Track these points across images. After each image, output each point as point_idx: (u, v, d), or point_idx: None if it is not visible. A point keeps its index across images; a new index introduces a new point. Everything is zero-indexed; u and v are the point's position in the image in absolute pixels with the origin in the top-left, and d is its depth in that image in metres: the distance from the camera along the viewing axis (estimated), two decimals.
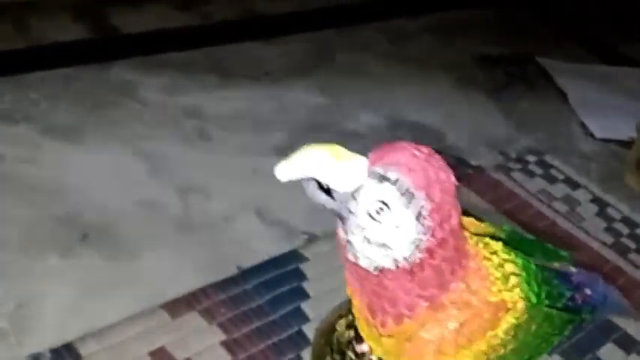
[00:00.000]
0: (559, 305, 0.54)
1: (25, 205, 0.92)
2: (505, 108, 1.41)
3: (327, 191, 0.47)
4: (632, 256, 1.10)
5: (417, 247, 0.46)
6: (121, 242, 0.91)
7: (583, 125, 1.41)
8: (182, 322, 0.81)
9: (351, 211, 0.47)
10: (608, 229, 1.14)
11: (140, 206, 0.97)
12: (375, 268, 0.47)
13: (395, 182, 0.44)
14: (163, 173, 1.04)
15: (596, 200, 1.20)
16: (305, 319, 0.85)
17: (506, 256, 0.52)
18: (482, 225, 0.56)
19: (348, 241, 0.48)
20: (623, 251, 1.10)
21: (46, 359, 0.74)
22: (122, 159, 1.05)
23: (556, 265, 0.57)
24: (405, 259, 0.46)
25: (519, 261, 0.52)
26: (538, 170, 1.24)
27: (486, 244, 0.52)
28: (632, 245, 1.12)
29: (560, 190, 1.21)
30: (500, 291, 0.49)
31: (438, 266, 0.47)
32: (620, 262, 1.07)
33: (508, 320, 0.49)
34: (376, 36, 1.52)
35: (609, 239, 1.12)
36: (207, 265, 0.90)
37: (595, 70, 1.60)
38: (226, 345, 0.80)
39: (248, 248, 0.94)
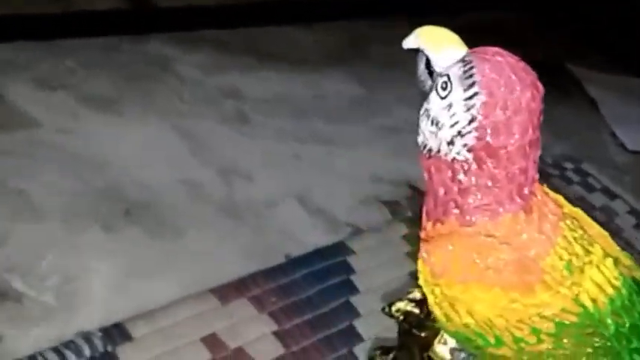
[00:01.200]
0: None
1: (66, 176, 0.88)
2: None
3: (431, 74, 0.49)
4: None
5: (462, 137, 0.45)
6: (165, 220, 0.87)
7: (614, 136, 1.39)
8: (232, 309, 0.78)
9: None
10: None
11: (182, 184, 0.93)
12: (425, 148, 0.47)
13: (464, 62, 0.45)
14: (204, 153, 1.00)
15: (633, 212, 1.18)
16: (356, 313, 0.82)
17: (603, 266, 0.45)
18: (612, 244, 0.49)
19: (418, 117, 0.49)
20: None
21: (96, 338, 0.70)
22: (162, 135, 1.01)
23: None
24: (448, 145, 0.45)
25: (620, 284, 0.45)
26: (575, 177, 1.22)
27: (581, 237, 0.46)
28: None
29: (598, 199, 1.19)
30: (548, 264, 0.44)
31: (481, 179, 0.45)
32: None
33: (543, 298, 0.43)
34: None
35: None
36: (253, 252, 0.87)
37: (625, 82, 1.59)
38: (278, 335, 0.77)
39: (292, 236, 0.91)
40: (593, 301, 0.44)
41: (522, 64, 0.46)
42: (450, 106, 0.45)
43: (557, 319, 0.44)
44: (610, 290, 0.44)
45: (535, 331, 0.44)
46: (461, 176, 0.45)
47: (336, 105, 1.20)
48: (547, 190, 0.49)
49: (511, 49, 0.48)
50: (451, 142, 0.45)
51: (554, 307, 0.44)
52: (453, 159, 0.45)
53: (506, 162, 0.45)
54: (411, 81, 1.38)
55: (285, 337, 0.77)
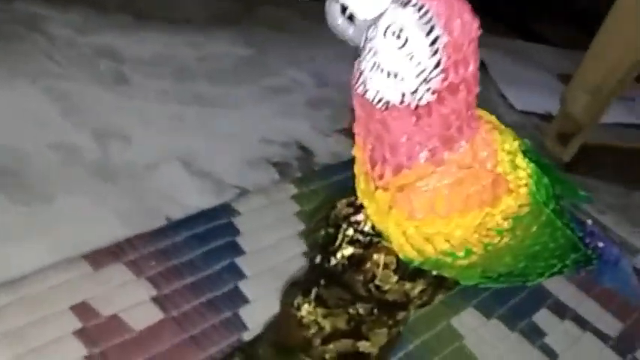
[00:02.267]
0: (564, 221, 0.51)
1: None
2: None
3: (350, 19, 0.45)
4: None
5: (427, 83, 0.43)
6: (33, 186, 0.81)
7: (503, 96, 1.41)
8: (107, 275, 0.73)
9: (368, 38, 0.44)
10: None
11: (53, 149, 0.87)
12: (381, 102, 0.44)
13: (417, 6, 0.43)
14: (78, 115, 0.93)
15: None
16: (241, 275, 0.79)
17: (518, 153, 0.49)
18: (502, 126, 0.52)
19: (360, 71, 0.45)
20: None
21: None
22: (30, 97, 0.93)
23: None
24: (412, 94, 0.43)
25: (532, 166, 0.49)
26: None
27: (502, 133, 0.49)
28: None
29: None
30: (505, 172, 0.47)
31: (445, 116, 0.44)
32: None
33: (508, 203, 0.46)
34: None
35: None
36: (131, 215, 0.82)
37: (512, 45, 1.61)
38: (157, 300, 0.72)
39: (174, 199, 0.86)
40: (525, 185, 0.47)
41: None
42: (411, 55, 0.43)
43: (514, 215, 0.46)
44: (529, 170, 0.47)
45: (499, 232, 0.46)
46: (425, 119, 0.44)
47: (222, 66, 1.15)
48: None
49: None
50: (415, 91, 0.44)
51: (513, 207, 0.46)
52: (417, 105, 0.44)
53: (465, 93, 0.45)
54: (300, 42, 1.35)
55: (165, 301, 0.72)
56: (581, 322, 0.92)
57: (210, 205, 0.86)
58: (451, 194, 0.45)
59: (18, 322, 0.65)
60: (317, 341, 0.53)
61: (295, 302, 0.54)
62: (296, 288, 0.55)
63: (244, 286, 0.77)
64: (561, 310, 0.92)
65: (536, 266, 0.52)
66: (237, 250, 0.82)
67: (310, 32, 1.30)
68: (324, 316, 0.53)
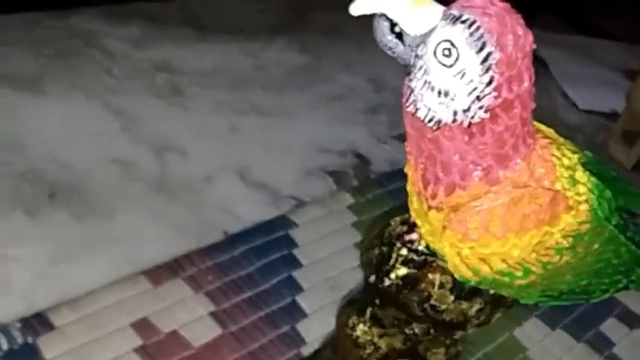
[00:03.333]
0: (629, 235, 0.49)
1: None
2: None
3: (399, 36, 0.44)
4: None
5: (480, 101, 0.42)
6: (93, 202, 0.82)
7: (565, 96, 1.37)
8: (166, 291, 0.73)
9: (418, 55, 0.43)
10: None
11: (112, 164, 0.88)
12: (433, 121, 0.43)
13: (467, 23, 0.41)
14: (135, 130, 0.95)
15: None
16: (298, 288, 0.78)
17: (578, 167, 0.47)
18: (561, 139, 0.50)
19: (411, 89, 0.44)
20: None
21: (15, 330, 0.65)
22: (89, 112, 0.95)
23: None
24: (464, 111, 0.42)
25: (593, 179, 0.47)
26: None
27: (559, 147, 0.47)
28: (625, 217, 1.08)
29: None
30: (564, 188, 0.45)
31: (499, 133, 0.43)
32: None
33: (568, 221, 0.44)
34: None
35: None
36: (189, 229, 0.82)
37: (574, 41, 1.56)
38: (215, 316, 0.72)
39: (232, 212, 0.86)
40: (588, 201, 0.45)
41: (509, 5, 0.43)
42: (462, 73, 0.42)
43: (575, 233, 0.45)
44: (590, 185, 0.46)
45: (559, 251, 0.45)
46: (478, 138, 0.43)
47: (277, 75, 1.15)
48: None
49: None
50: (467, 109, 0.43)
51: (574, 224, 0.45)
52: (470, 124, 0.43)
53: (520, 110, 0.43)
54: (354, 47, 1.34)
55: (223, 317, 0.73)
56: None
57: (267, 217, 0.86)
58: (507, 214, 0.43)
59: (80, 340, 0.66)
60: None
61: (350, 322, 0.53)
62: (351, 307, 0.54)
63: (302, 300, 0.77)
64: (630, 319, 0.89)
65: (600, 283, 0.50)
66: (294, 262, 0.81)
67: (365, 37, 1.28)
68: (380, 336, 0.52)
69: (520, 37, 0.42)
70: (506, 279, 0.46)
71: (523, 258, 0.44)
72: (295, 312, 0.76)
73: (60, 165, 0.85)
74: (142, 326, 0.69)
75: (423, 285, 0.49)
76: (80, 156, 0.87)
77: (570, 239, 0.45)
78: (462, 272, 0.46)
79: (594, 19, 1.69)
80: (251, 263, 0.79)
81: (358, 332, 0.52)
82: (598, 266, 0.48)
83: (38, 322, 0.66)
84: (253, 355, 0.70)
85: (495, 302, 0.50)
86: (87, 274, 0.73)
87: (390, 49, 0.44)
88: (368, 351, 0.52)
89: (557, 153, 0.46)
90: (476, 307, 0.49)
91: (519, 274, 0.45)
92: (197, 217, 0.84)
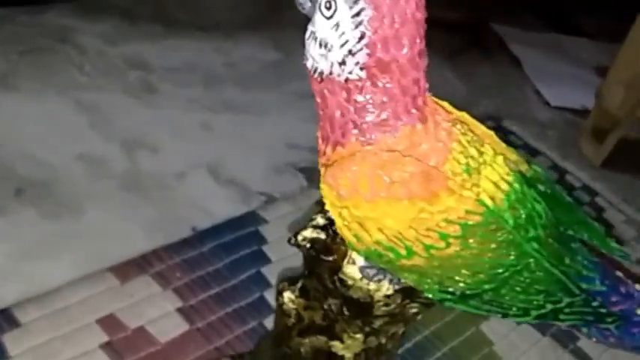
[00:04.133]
0: (562, 268, 0.46)
1: None
2: (461, 73, 1.37)
3: None
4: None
5: (354, 56, 0.43)
6: (62, 199, 0.82)
7: (538, 93, 1.38)
8: (133, 287, 0.74)
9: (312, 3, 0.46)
10: (569, 197, 1.11)
11: (81, 160, 0.88)
12: (316, 72, 0.45)
13: None
14: (106, 126, 0.95)
15: (555, 167, 1.17)
16: (267, 284, 0.79)
17: (496, 167, 0.45)
18: (501, 144, 0.49)
19: (304, 41, 0.46)
20: None
21: None
22: (60, 109, 0.95)
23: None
24: (340, 65, 0.44)
25: (517, 186, 0.45)
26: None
27: (477, 141, 0.46)
28: (593, 213, 1.10)
29: None
30: (453, 172, 0.44)
31: (377, 95, 0.44)
32: None
33: (449, 204, 0.43)
34: None
35: None
36: (158, 226, 0.82)
37: (548, 39, 1.58)
38: (182, 312, 0.73)
39: (202, 209, 0.87)
40: (492, 199, 0.44)
41: None
42: (337, 25, 0.44)
43: (462, 222, 0.44)
44: (505, 186, 0.45)
45: (443, 236, 0.44)
46: (356, 96, 0.44)
47: (251, 72, 1.15)
48: (434, 98, 0.48)
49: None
50: (343, 63, 0.44)
51: (459, 211, 0.44)
52: (347, 79, 0.44)
53: (399, 75, 0.44)
54: None
55: (190, 313, 0.73)
56: None
57: (238, 214, 0.87)
58: (374, 176, 0.44)
59: (45, 337, 0.66)
60: (295, 332, 0.53)
61: (280, 286, 0.53)
62: (288, 277, 0.55)
63: (270, 296, 0.77)
64: None
65: (514, 297, 0.47)
66: (263, 258, 0.82)
67: None
68: (305, 308, 0.52)
69: (400, 1, 0.43)
70: (391, 255, 0.45)
71: (400, 232, 0.44)
72: (263, 308, 0.76)
73: (29, 161, 0.85)
74: (109, 323, 0.69)
75: (335, 256, 0.49)
76: (50, 153, 0.87)
77: (458, 228, 0.44)
78: (347, 237, 0.46)
79: (570, 17, 1.70)
80: (220, 259, 0.80)
81: (285, 299, 0.53)
82: (500, 271, 0.46)
83: (3, 319, 0.66)
84: (220, 350, 0.70)
85: (405, 293, 0.49)
86: (54, 272, 0.73)
87: (301, 4, 0.47)
88: (292, 320, 0.52)
89: (463, 140, 0.45)
90: (383, 291, 0.48)
91: (402, 252, 0.45)
92: (167, 214, 0.85)
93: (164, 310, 0.72)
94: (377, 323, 0.49)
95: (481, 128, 0.48)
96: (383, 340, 0.51)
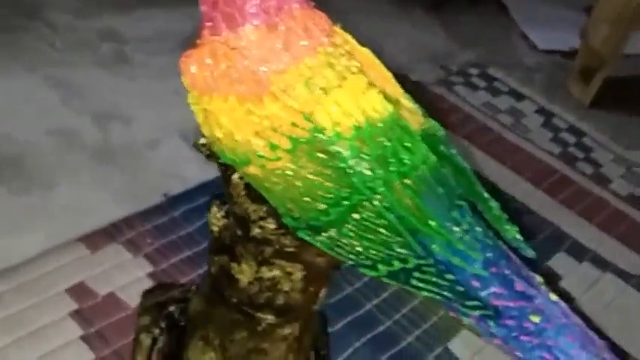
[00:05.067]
0: (414, 222, 0.41)
1: None
2: (445, 22, 1.35)
3: None
4: (580, 164, 1.06)
5: None
6: (33, 174, 0.82)
7: (525, 38, 1.36)
8: (103, 256, 0.74)
9: None
10: (555, 140, 1.10)
11: (53, 136, 0.88)
12: None
13: None
14: (78, 100, 0.95)
15: (541, 111, 1.16)
16: None
17: (362, 92, 0.42)
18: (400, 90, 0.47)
19: None
20: (570, 161, 1.06)
21: None
22: (31, 86, 0.95)
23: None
24: None
25: (380, 117, 0.42)
26: (481, 83, 1.19)
27: (341, 65, 0.43)
28: (580, 154, 1.08)
29: (504, 102, 1.16)
30: (286, 84, 0.42)
31: None
32: (568, 172, 1.03)
33: (273, 110, 0.42)
34: None
35: (556, 149, 1.08)
36: (131, 195, 0.83)
37: None
38: (154, 276, 0.73)
39: (175, 175, 0.87)
40: (335, 123, 0.41)
41: None
42: None
43: (291, 135, 0.42)
44: (360, 118, 0.42)
45: (272, 147, 0.42)
46: None
47: None
48: (338, 29, 0.46)
49: None
50: None
51: (285, 121, 0.42)
52: None
53: None
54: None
55: (162, 276, 0.73)
56: (602, 263, 0.89)
57: (210, 178, 0.87)
58: (207, 68, 0.43)
59: (16, 307, 0.67)
60: (212, 249, 0.53)
61: (210, 204, 0.53)
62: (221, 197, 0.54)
63: None
64: (580, 253, 0.90)
65: (355, 242, 0.43)
66: None
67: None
68: (221, 227, 0.52)
69: None
70: (235, 159, 0.44)
71: (231, 131, 0.43)
72: None
73: None
74: (78, 291, 0.70)
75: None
76: (20, 129, 0.88)
77: (287, 141, 0.42)
78: (201, 126, 0.45)
79: None
80: (191, 224, 0.80)
81: (211, 216, 0.53)
82: (332, 202, 0.42)
83: None
84: None
85: (279, 222, 0.47)
86: (25, 246, 0.73)
87: None
88: (215, 234, 0.53)
89: (322, 61, 0.43)
90: (260, 213, 0.48)
91: (237, 157, 0.44)
92: (139, 183, 0.85)
93: (135, 276, 0.73)
94: (267, 252, 0.49)
95: (379, 69, 0.46)
96: (277, 273, 0.50)
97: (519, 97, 1.17)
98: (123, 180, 0.85)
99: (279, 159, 0.42)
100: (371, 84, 0.43)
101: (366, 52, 0.46)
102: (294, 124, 0.42)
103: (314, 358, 0.63)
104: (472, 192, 0.45)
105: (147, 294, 0.66)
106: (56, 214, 0.78)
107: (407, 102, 0.46)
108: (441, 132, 0.46)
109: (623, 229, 0.95)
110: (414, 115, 0.45)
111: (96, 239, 0.75)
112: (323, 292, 0.54)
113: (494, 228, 0.45)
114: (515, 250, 0.45)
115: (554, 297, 0.44)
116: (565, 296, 0.82)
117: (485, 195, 0.46)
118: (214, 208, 0.52)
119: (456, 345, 0.74)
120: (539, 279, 0.45)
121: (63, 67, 0.99)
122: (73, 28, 1.07)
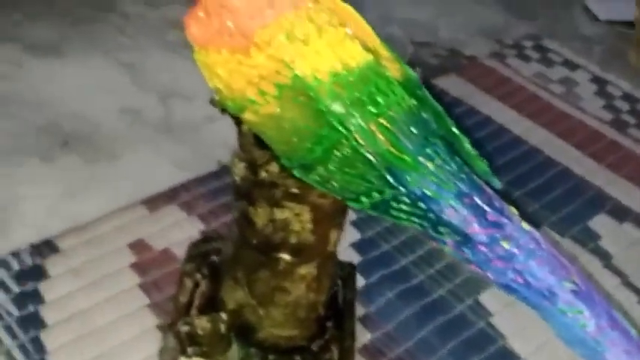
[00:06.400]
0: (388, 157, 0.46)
1: (6, 118, 0.93)
2: None
3: None
4: (632, 130, 1.07)
5: None
6: (102, 146, 0.92)
7: (586, 9, 1.36)
8: (161, 215, 0.82)
9: None
10: (608, 107, 1.11)
11: (122, 113, 0.98)
12: None
13: None
14: (146, 81, 1.04)
15: (595, 80, 1.16)
16: None
17: (339, 42, 0.47)
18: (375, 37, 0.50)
19: None
20: (621, 127, 1.07)
21: (25, 253, 0.75)
22: (103, 69, 1.05)
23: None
24: None
25: (356, 64, 0.47)
26: (534, 55, 1.20)
27: (322, 20, 0.48)
28: (632, 120, 1.09)
29: (557, 72, 1.17)
30: (269, 36, 0.46)
31: None
32: (618, 138, 1.04)
33: (259, 61, 0.46)
34: None
35: (607, 116, 1.09)
36: (189, 163, 0.91)
37: None
38: (205, 234, 0.81)
39: (230, 147, 0.93)
40: (315, 70, 0.46)
41: None
42: None
43: (276, 82, 0.47)
44: (338, 65, 0.46)
45: (261, 93, 0.47)
46: None
47: None
48: None
49: None
50: None
51: (270, 69, 0.47)
52: None
53: None
54: None
55: (213, 234, 0.81)
56: None
57: None
58: (201, 23, 0.48)
59: (80, 259, 0.76)
60: (236, 197, 0.59)
61: (232, 156, 0.58)
62: None
63: None
64: (622, 214, 0.91)
65: (338, 177, 0.48)
66: None
67: None
68: (241, 176, 0.57)
69: None
70: (232, 105, 0.50)
71: (227, 80, 0.48)
72: None
73: (74, 117, 0.95)
74: (137, 246, 0.78)
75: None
76: (93, 108, 0.97)
77: (273, 88, 0.47)
78: (207, 80, 0.51)
79: None
80: None
81: (233, 164, 0.58)
82: (315, 140, 0.47)
83: (46, 247, 0.76)
84: None
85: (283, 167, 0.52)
86: (93, 208, 0.82)
87: None
88: (237, 182, 0.57)
89: (302, 15, 0.47)
90: (265, 157, 0.53)
91: (234, 104, 0.49)
92: (198, 154, 0.93)
93: (188, 233, 0.80)
94: (277, 194, 0.54)
95: (361, 24, 0.50)
96: (287, 215, 0.55)
97: (573, 67, 1.18)
98: (182, 151, 0.93)
99: (268, 104, 0.48)
100: (350, 36, 0.48)
101: (348, 9, 0.51)
102: (277, 72, 0.47)
103: (341, 298, 0.69)
104: (447, 131, 0.50)
105: (193, 245, 0.73)
106: (121, 181, 0.87)
107: (386, 52, 0.50)
108: (414, 75, 0.51)
109: None
110: (393, 64, 0.50)
111: (155, 201, 0.84)
112: (335, 235, 0.59)
113: (469, 164, 0.49)
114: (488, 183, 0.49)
115: (526, 226, 0.48)
116: (602, 254, 0.85)
117: (458, 134, 0.50)
118: (235, 159, 0.58)
119: (486, 297, 0.78)
120: (513, 210, 0.49)
121: (132, 52, 1.09)
122: (143, 17, 1.16)
